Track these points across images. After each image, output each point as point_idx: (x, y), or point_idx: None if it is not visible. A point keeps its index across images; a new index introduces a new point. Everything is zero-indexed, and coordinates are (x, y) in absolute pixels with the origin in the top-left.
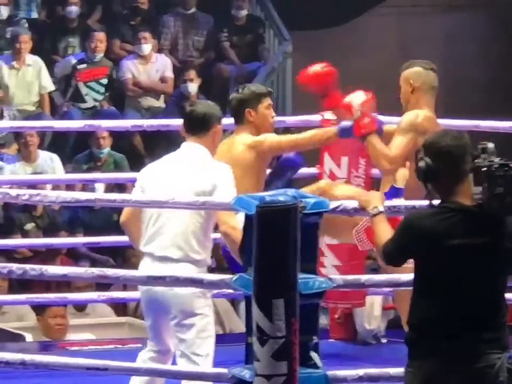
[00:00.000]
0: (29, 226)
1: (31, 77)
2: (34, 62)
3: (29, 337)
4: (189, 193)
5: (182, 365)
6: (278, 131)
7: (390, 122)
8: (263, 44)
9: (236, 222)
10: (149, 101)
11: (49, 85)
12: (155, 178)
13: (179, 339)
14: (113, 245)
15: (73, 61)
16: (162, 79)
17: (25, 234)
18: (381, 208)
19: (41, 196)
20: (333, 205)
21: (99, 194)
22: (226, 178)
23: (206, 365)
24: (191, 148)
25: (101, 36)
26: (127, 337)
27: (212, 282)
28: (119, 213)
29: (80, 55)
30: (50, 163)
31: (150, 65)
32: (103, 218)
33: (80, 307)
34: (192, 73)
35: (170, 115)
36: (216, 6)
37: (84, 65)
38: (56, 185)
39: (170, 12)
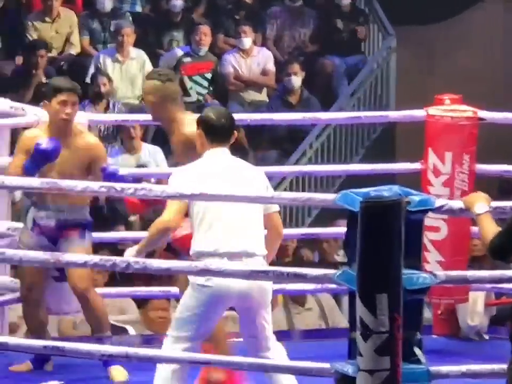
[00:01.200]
0: (133, 218)
1: (134, 70)
2: (138, 56)
3: (131, 330)
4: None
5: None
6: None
7: (492, 118)
8: (367, 39)
9: None
10: (251, 95)
11: None
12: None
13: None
14: None
15: (179, 54)
16: (264, 72)
17: (129, 226)
18: (486, 208)
19: (146, 190)
20: (438, 203)
21: (204, 188)
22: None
23: None
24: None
25: (205, 29)
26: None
27: (316, 277)
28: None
29: (186, 48)
30: (154, 156)
31: (251, 59)
32: None
33: None
34: (296, 67)
35: (274, 109)
36: None
37: (189, 59)
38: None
39: (275, 5)
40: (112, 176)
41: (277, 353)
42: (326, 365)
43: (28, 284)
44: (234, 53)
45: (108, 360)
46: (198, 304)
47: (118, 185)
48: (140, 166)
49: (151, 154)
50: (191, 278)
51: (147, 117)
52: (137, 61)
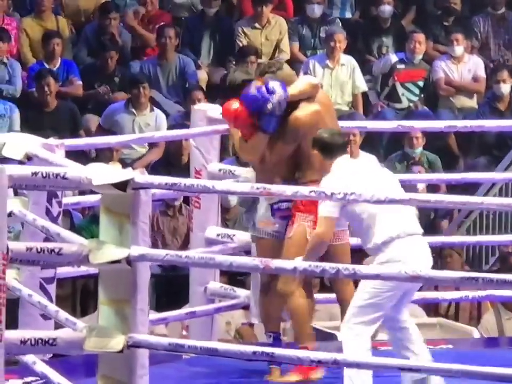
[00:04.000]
0: None
1: (344, 77)
2: (347, 62)
3: (340, 336)
4: None
5: None
6: None
7: None
8: None
9: None
10: (461, 101)
11: (362, 85)
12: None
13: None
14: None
15: (393, 60)
16: (475, 79)
17: None
18: None
19: (356, 195)
20: None
21: (414, 194)
22: None
23: None
24: None
25: (420, 37)
26: (439, 338)
27: None
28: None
29: (400, 55)
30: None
31: (462, 65)
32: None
33: None
34: (504, 74)
35: (483, 115)
36: None
37: (403, 66)
38: None
39: (481, 11)
40: None
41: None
42: None
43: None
44: (445, 59)
45: None
46: (390, 286)
47: (328, 190)
48: None
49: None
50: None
51: (357, 123)
52: (347, 67)
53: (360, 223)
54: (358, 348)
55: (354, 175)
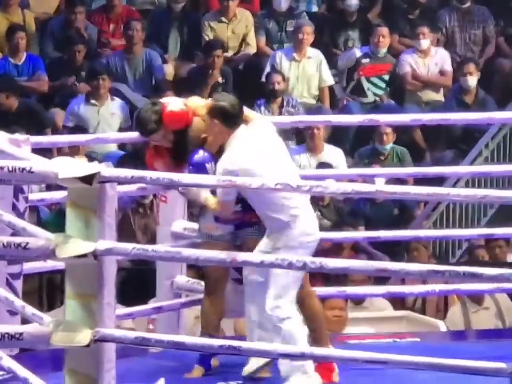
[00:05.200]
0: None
1: (311, 70)
2: (315, 55)
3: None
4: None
5: None
6: None
7: None
8: None
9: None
10: (428, 95)
11: (329, 79)
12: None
13: None
14: (393, 239)
15: (358, 54)
16: (441, 72)
17: None
18: None
19: (322, 188)
20: None
21: (380, 186)
22: None
23: None
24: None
25: (384, 30)
26: (405, 331)
27: (492, 276)
28: (400, 207)
29: (365, 49)
30: (334, 157)
31: (429, 59)
32: (384, 212)
33: (358, 301)
34: (471, 67)
35: (450, 108)
36: None
37: (368, 60)
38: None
39: (447, 5)
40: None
41: None
42: (502, 365)
43: (216, 277)
44: (412, 53)
45: None
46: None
47: (293, 183)
48: (322, 165)
49: (333, 155)
50: (288, 241)
51: (323, 118)
52: (314, 60)
53: (269, 200)
54: (298, 331)
55: (257, 154)
